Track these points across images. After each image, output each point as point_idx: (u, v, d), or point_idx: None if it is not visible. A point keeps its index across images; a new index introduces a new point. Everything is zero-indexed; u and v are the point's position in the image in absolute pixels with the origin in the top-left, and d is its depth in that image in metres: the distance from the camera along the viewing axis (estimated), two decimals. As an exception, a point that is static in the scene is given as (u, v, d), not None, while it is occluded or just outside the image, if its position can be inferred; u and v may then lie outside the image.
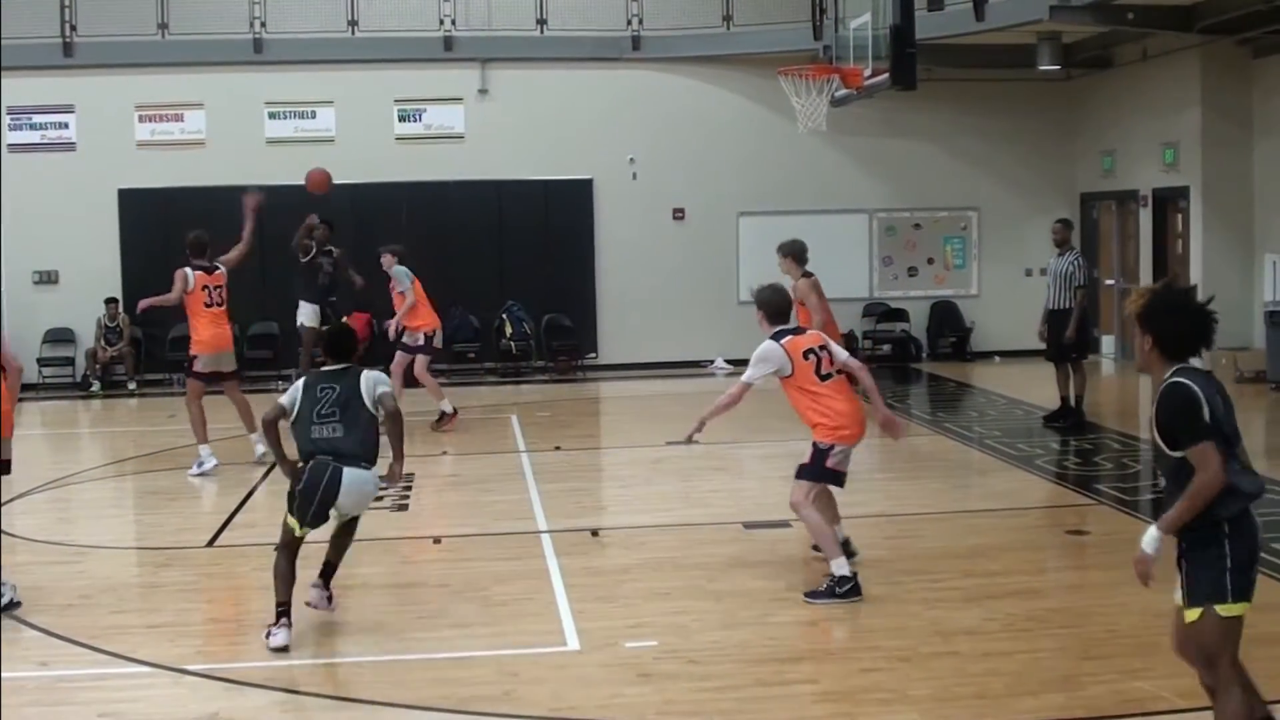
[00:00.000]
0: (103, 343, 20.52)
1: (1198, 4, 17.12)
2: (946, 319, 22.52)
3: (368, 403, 8.00)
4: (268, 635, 7.72)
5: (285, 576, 7.91)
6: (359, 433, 7.96)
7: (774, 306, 8.87)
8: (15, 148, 20.53)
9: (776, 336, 8.72)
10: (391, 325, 15.91)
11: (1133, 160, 20.73)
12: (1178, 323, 5.33)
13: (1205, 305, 5.45)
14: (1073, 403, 15.26)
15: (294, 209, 20.35)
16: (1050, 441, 14.58)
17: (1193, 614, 5.26)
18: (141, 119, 21.06)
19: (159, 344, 20.46)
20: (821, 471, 8.67)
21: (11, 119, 20.45)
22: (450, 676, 7.21)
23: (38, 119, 20.87)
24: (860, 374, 8.98)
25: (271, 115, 21.21)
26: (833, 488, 9.55)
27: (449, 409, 15.60)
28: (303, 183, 15.86)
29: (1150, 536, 5.31)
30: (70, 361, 20.83)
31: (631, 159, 21.69)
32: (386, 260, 15.78)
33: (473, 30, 21.48)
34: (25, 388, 13.46)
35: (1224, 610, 5.23)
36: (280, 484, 12.82)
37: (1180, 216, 19.81)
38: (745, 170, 21.78)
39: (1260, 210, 18.92)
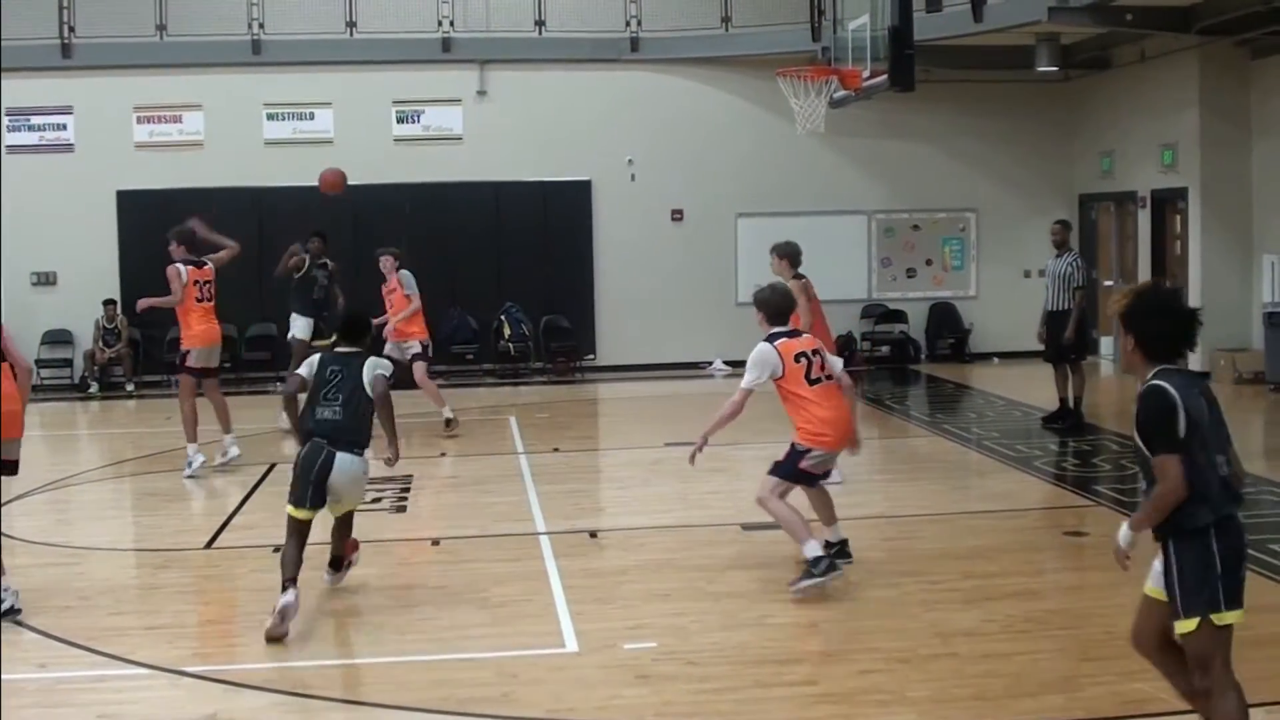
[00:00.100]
0: (101, 344, 20.51)
1: (1196, 5, 17.12)
2: (945, 320, 22.53)
3: (367, 388, 8.39)
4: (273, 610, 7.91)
5: (292, 560, 8.20)
6: (356, 418, 8.35)
7: (774, 307, 8.91)
8: (14, 149, 20.54)
9: (771, 338, 8.76)
10: (389, 327, 15.70)
11: (1131, 161, 20.73)
12: (1160, 324, 5.33)
13: (1188, 306, 5.46)
14: (1071, 404, 15.26)
15: (294, 210, 20.44)
16: (1049, 443, 14.59)
17: (1188, 625, 5.25)
18: (140, 120, 21.07)
19: (157, 345, 20.45)
20: (793, 472, 8.74)
21: (10, 120, 20.45)
22: (449, 678, 7.21)
23: (36, 120, 20.87)
24: (845, 390, 9.01)
25: (270, 116, 21.22)
26: (832, 489, 9.57)
27: (450, 415, 15.46)
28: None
29: (1123, 535, 5.42)
30: (68, 363, 20.83)
31: (630, 160, 21.70)
32: (388, 263, 15.63)
33: (471, 32, 21.49)
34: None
35: (1219, 619, 5.22)
36: (278, 485, 12.86)
37: (1179, 217, 19.82)
38: (744, 171, 21.79)
39: (1259, 211, 18.93)
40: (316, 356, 8.73)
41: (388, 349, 15.27)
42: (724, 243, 21.77)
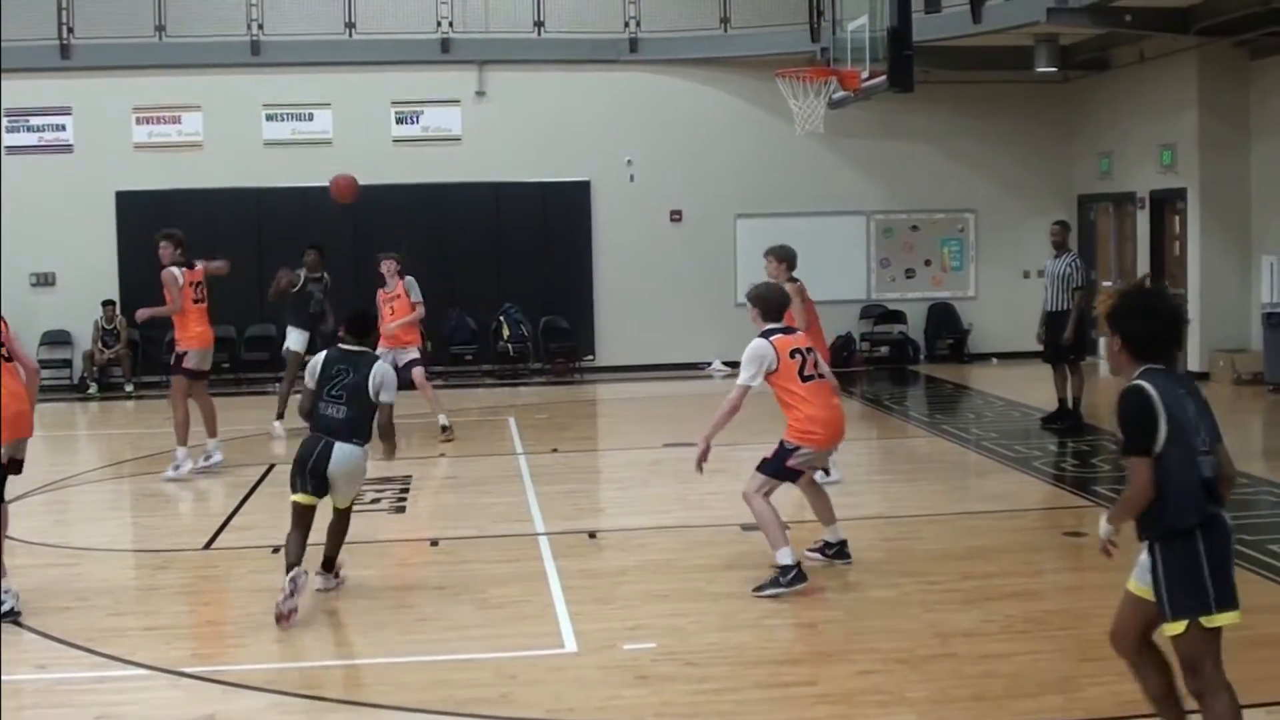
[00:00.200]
0: (100, 345, 20.51)
1: (1195, 6, 17.12)
2: (944, 321, 22.53)
3: (371, 395, 8.61)
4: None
5: (295, 548, 8.43)
6: (357, 416, 8.58)
7: (769, 303, 8.95)
8: (13, 150, 20.54)
9: (766, 334, 8.79)
10: (387, 331, 15.54)
11: (1130, 162, 20.74)
12: (1146, 324, 5.33)
13: (1175, 306, 5.47)
14: (1070, 404, 15.27)
15: (293, 210, 20.46)
16: (1048, 443, 14.59)
17: (1176, 627, 5.24)
18: (139, 121, 21.07)
19: (156, 346, 20.41)
20: (781, 469, 8.78)
21: (9, 121, 20.45)
22: (448, 679, 7.20)
23: (35, 121, 20.87)
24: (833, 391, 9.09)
25: (269, 117, 21.21)
26: (831, 488, 9.57)
27: (446, 423, 15.30)
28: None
29: (1103, 528, 5.47)
30: (67, 364, 20.82)
31: (629, 161, 21.70)
32: (390, 266, 15.44)
33: (470, 32, 21.49)
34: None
35: (1208, 621, 5.22)
36: (277, 486, 12.86)
37: (1178, 218, 19.82)
38: (743, 172, 21.79)
39: (1257, 212, 18.93)
40: (321, 354, 8.89)
41: (381, 355, 15.04)
42: (723, 243, 21.78)
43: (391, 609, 8.71)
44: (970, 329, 22.44)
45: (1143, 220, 20.49)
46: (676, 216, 21.95)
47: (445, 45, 21.41)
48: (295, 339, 16.03)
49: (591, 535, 10.57)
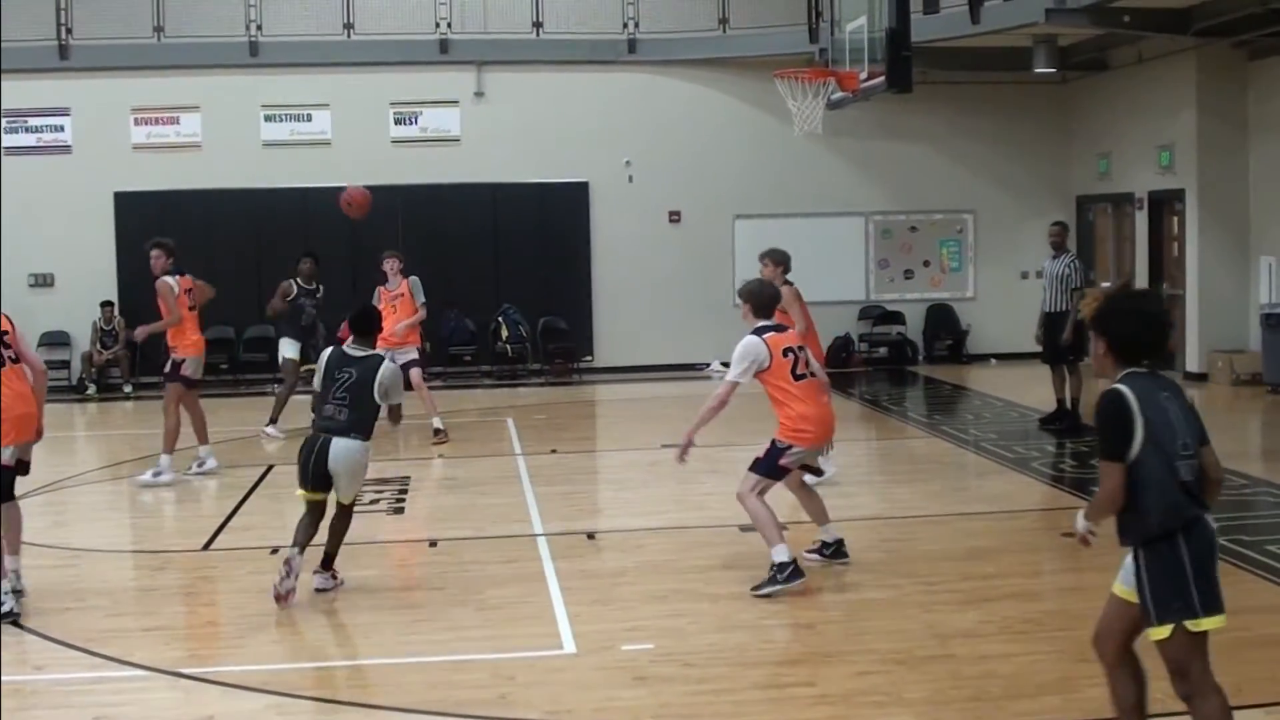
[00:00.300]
0: (98, 346, 20.50)
1: (1193, 7, 17.13)
2: (942, 322, 22.53)
3: (376, 397, 8.80)
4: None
5: (303, 532, 8.78)
6: (361, 415, 8.77)
7: (760, 299, 8.99)
8: (11, 150, 20.52)
9: (759, 331, 8.81)
10: (392, 331, 15.47)
11: (1128, 163, 20.74)
12: (1130, 327, 5.34)
13: (1159, 309, 5.49)
14: (1069, 405, 15.27)
15: (291, 211, 20.46)
16: (1046, 444, 14.59)
17: (1161, 632, 5.24)
18: (137, 122, 21.06)
19: (155, 347, 20.28)
20: (773, 468, 8.81)
21: (8, 122, 20.42)
22: (446, 680, 7.20)
23: (33, 122, 20.86)
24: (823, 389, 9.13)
25: (267, 118, 21.21)
26: (829, 487, 9.58)
27: (439, 425, 15.24)
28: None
29: (1080, 524, 5.50)
30: (66, 365, 20.80)
31: (627, 162, 21.70)
32: (393, 265, 15.35)
33: (468, 33, 21.48)
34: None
35: (1194, 626, 5.21)
36: (274, 488, 12.87)
37: (1176, 219, 19.82)
38: (741, 173, 21.79)
39: (1256, 213, 18.93)
40: (326, 357, 9.05)
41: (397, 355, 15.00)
42: (721, 244, 21.77)
43: (390, 610, 8.71)
44: (969, 330, 22.45)
45: (1141, 221, 20.49)
46: (675, 217, 21.95)
47: (444, 46, 21.40)
48: (289, 349, 15.98)
49: (590, 536, 10.57)
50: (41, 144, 20.89)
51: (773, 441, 8.82)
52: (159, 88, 20.95)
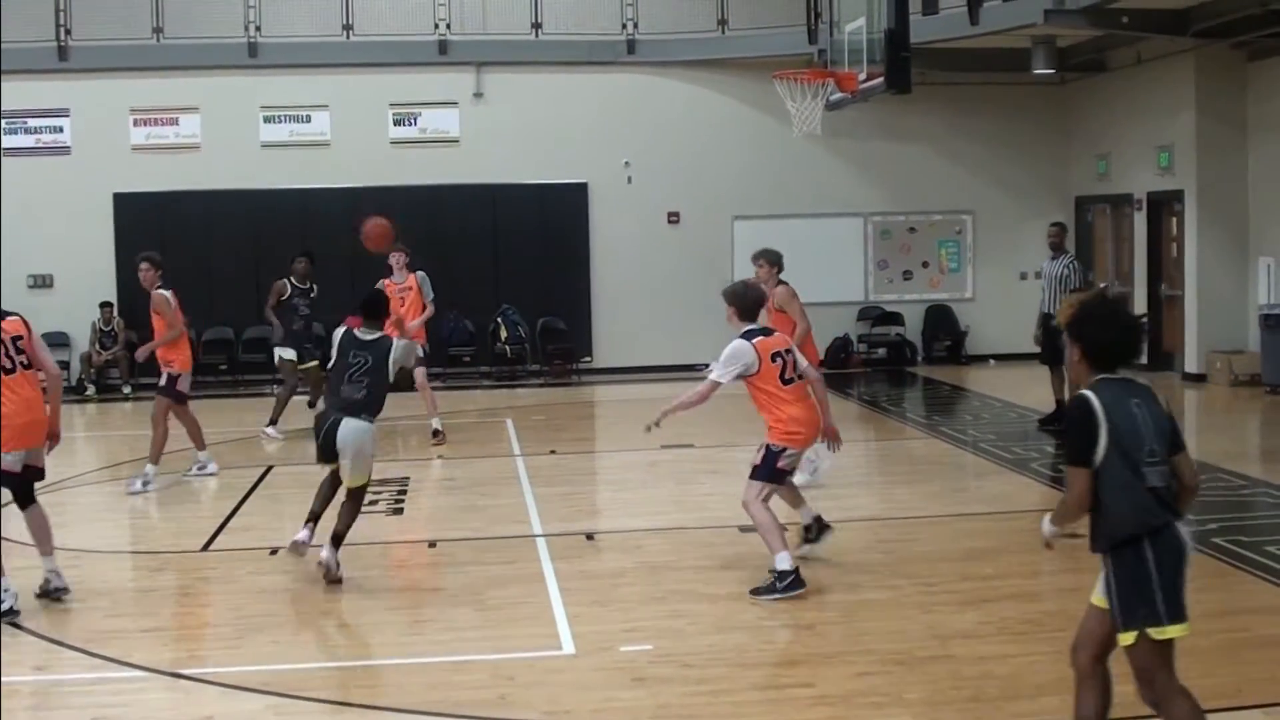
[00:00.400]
0: (97, 346, 20.50)
1: (1192, 8, 17.13)
2: (941, 322, 22.54)
3: (390, 371, 9.34)
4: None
5: (323, 495, 9.45)
6: (375, 395, 9.31)
7: (746, 302, 9.00)
8: (10, 151, 20.50)
9: (747, 335, 8.83)
10: (413, 327, 15.35)
11: (1127, 164, 20.75)
12: (1105, 333, 5.38)
13: (1133, 316, 5.57)
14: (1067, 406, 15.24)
15: (290, 212, 20.46)
16: (1045, 445, 14.58)
17: (1127, 638, 5.27)
18: (136, 123, 21.06)
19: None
20: (773, 472, 8.84)
21: (7, 123, 20.42)
22: (445, 680, 7.21)
23: (33, 123, 20.86)
24: (815, 385, 9.17)
25: (266, 119, 21.21)
26: (810, 492, 9.62)
27: (438, 426, 15.22)
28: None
29: (1046, 529, 5.55)
30: (65, 366, 20.75)
31: (626, 162, 21.70)
32: (399, 258, 15.23)
33: (468, 34, 21.48)
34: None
35: (1157, 634, 5.23)
36: (274, 488, 12.88)
37: (1175, 220, 19.83)
38: (740, 174, 21.80)
39: (1254, 213, 18.94)
40: (338, 338, 9.50)
41: None
42: (720, 245, 21.76)
43: (389, 610, 8.71)
44: (968, 331, 22.45)
45: (1140, 222, 20.50)
46: (674, 218, 21.95)
47: (443, 47, 21.40)
48: (284, 350, 15.95)
49: (589, 537, 10.58)
50: (41, 145, 20.89)
51: (767, 446, 8.83)
52: (158, 89, 20.95)
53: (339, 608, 8.78)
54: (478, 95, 21.47)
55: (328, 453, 9.28)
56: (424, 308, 15.25)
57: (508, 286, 21.41)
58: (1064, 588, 9.23)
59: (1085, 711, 5.56)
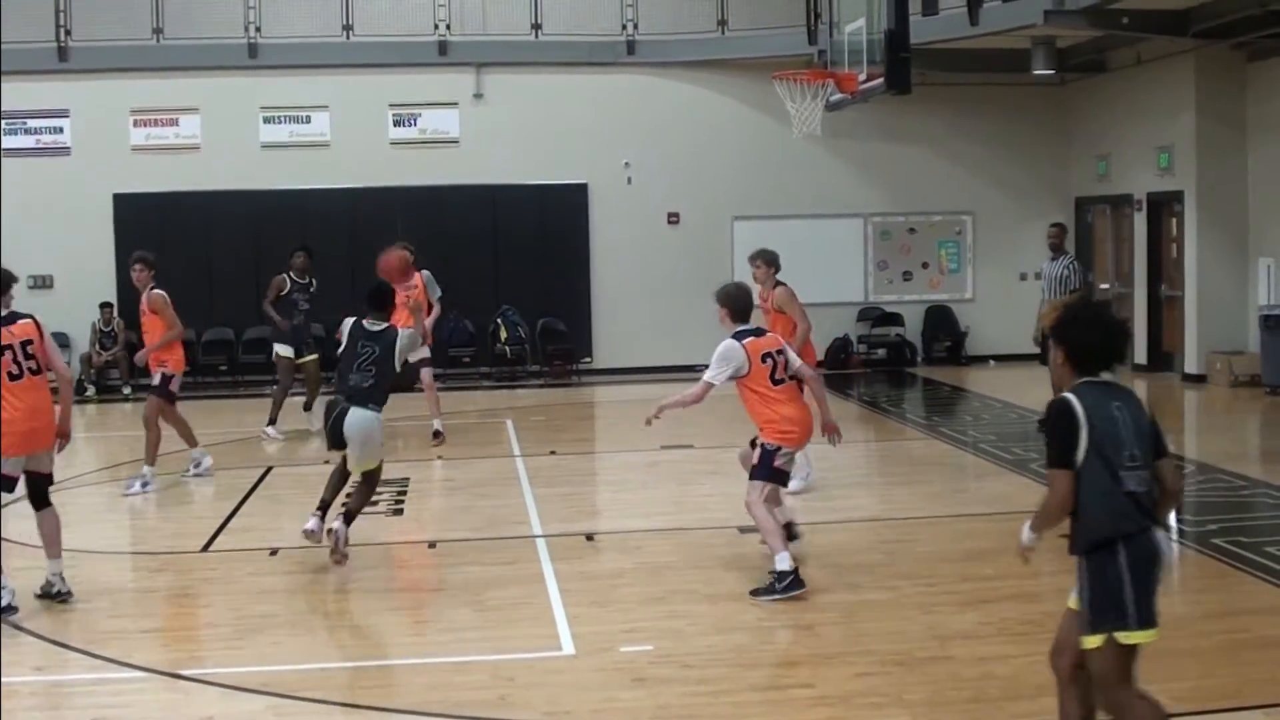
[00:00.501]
0: (97, 347, 20.49)
1: (1192, 8, 17.14)
2: (941, 323, 22.54)
3: (397, 361, 9.74)
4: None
5: (333, 484, 9.80)
6: (381, 384, 9.65)
7: (738, 304, 9.04)
8: (10, 152, 20.51)
9: (739, 336, 8.86)
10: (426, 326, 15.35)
11: (1127, 164, 20.75)
12: (1089, 337, 5.39)
13: (1118, 321, 5.57)
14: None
15: (290, 212, 20.44)
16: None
17: (1093, 641, 5.28)
18: (136, 123, 21.06)
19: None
20: (771, 472, 8.87)
21: (7, 123, 20.43)
22: (445, 681, 7.21)
23: (32, 123, 20.86)
24: (812, 383, 9.30)
25: (266, 120, 21.21)
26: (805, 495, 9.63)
27: (439, 427, 15.20)
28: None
29: (1025, 533, 5.54)
30: (65, 366, 20.75)
31: (626, 163, 21.70)
32: (406, 257, 15.34)
33: (468, 35, 21.48)
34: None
35: (1125, 638, 5.24)
36: (274, 489, 12.88)
37: (1175, 221, 19.83)
38: (740, 174, 21.80)
39: (1254, 214, 18.94)
40: (348, 324, 9.84)
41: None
42: (720, 246, 21.75)
43: (389, 611, 8.71)
44: (968, 331, 22.45)
45: (1140, 222, 20.50)
46: (674, 219, 21.95)
47: (443, 48, 21.40)
48: (284, 347, 15.93)
49: (589, 537, 10.57)
50: (41, 145, 20.89)
51: (762, 446, 8.86)
52: (158, 89, 20.95)
53: (339, 608, 8.78)
54: (478, 96, 21.47)
55: (336, 439, 9.60)
56: (430, 307, 15.22)
57: (507, 287, 21.41)
58: (1064, 588, 9.16)
59: (1070, 717, 5.55)
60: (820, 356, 20.00)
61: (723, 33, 21.66)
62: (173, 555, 10.36)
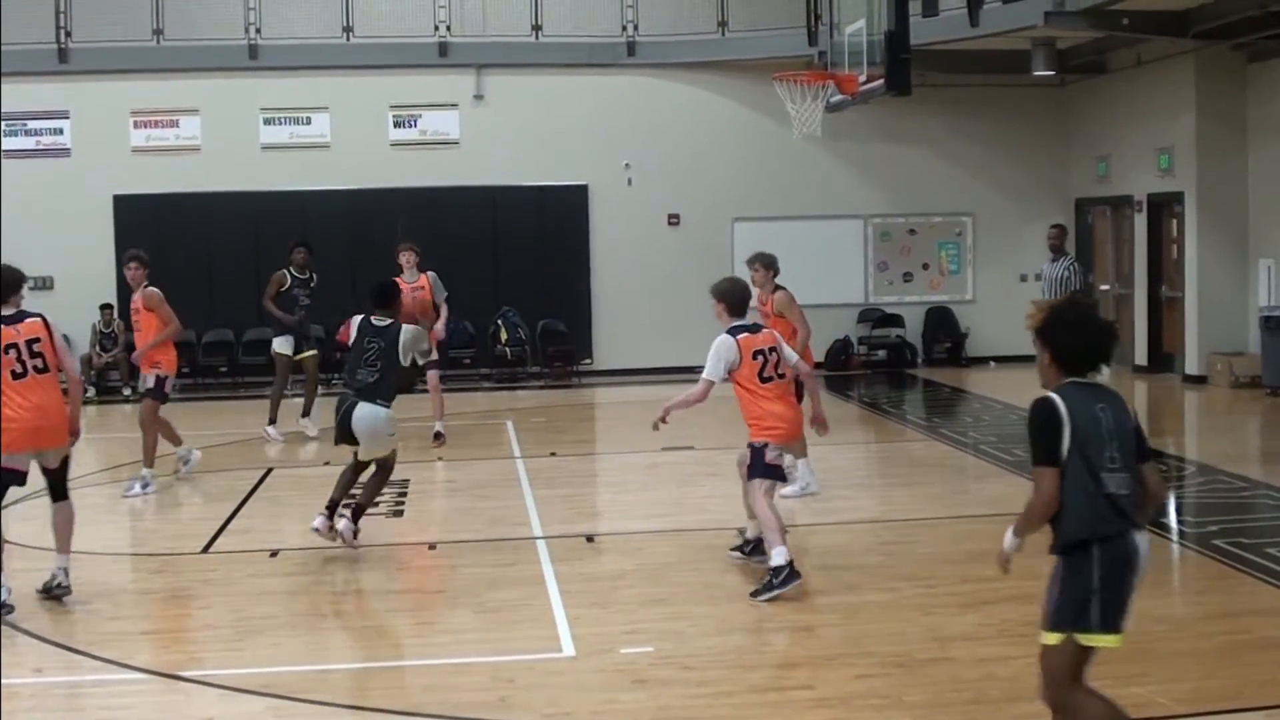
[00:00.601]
0: (97, 349, 20.49)
1: (1192, 9, 17.13)
2: (942, 324, 22.53)
3: (402, 356, 9.96)
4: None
5: (342, 484, 10.05)
6: (387, 379, 9.91)
7: (734, 298, 9.11)
8: (10, 153, 20.52)
9: (733, 331, 8.91)
10: (439, 329, 15.40)
11: (1127, 166, 20.75)
12: (1073, 338, 5.39)
13: (1104, 322, 5.57)
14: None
15: (290, 214, 20.43)
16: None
17: (1051, 638, 5.28)
18: (136, 125, 21.06)
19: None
20: (765, 468, 8.93)
21: (7, 125, 20.42)
22: (445, 683, 7.20)
23: (33, 125, 20.86)
24: (806, 379, 9.55)
25: (267, 121, 21.21)
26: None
27: (441, 429, 15.19)
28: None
29: (1008, 540, 5.49)
30: (65, 367, 20.75)
31: (627, 164, 21.70)
32: (409, 257, 15.14)
33: (468, 36, 21.48)
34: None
35: (1086, 640, 5.23)
36: (274, 490, 12.88)
37: (1175, 222, 19.83)
38: (740, 176, 21.80)
39: (1255, 215, 18.93)
40: (357, 321, 10.16)
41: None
42: (720, 247, 21.74)
43: (389, 613, 8.71)
44: (968, 332, 22.44)
45: (1140, 224, 20.50)
46: (674, 220, 21.95)
47: (443, 49, 21.40)
48: (281, 342, 15.89)
49: (589, 539, 10.57)
50: (41, 147, 20.89)
51: (750, 445, 8.96)
52: (158, 90, 20.96)
53: (339, 610, 8.78)
54: (478, 97, 21.47)
55: (344, 434, 9.88)
56: (437, 307, 15.25)
57: (508, 288, 21.41)
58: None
59: (1094, 701, 5.49)
60: (820, 358, 20.06)
61: (723, 34, 21.66)
62: (173, 557, 10.36)
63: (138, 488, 12.64)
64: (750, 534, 9.45)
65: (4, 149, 20.42)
